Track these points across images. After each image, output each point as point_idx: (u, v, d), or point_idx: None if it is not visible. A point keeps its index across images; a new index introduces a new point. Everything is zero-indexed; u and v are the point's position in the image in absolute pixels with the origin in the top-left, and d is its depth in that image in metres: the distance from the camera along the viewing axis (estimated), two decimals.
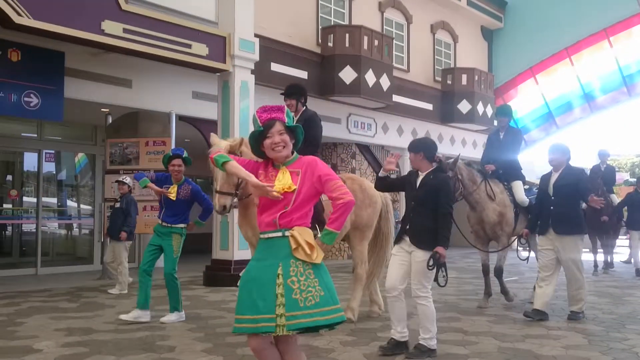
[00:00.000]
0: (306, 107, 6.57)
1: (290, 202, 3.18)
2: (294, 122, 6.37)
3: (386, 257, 6.73)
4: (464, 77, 17.49)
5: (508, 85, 20.48)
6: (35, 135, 11.97)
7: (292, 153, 3.33)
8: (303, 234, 3.14)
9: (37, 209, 11.83)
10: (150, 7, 9.73)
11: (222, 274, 9.91)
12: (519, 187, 7.80)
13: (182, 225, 6.70)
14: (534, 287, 7.50)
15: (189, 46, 9.56)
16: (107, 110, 11.00)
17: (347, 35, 13.60)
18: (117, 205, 9.31)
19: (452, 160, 7.11)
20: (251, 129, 10.94)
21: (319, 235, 5.92)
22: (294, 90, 6.55)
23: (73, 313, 7.15)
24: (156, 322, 6.49)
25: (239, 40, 10.23)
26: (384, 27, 16.41)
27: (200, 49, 9.73)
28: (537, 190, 7.46)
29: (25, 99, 9.00)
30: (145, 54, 9.20)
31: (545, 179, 6.90)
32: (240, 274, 3.43)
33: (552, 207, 6.61)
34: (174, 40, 9.36)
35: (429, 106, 16.93)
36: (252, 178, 3.19)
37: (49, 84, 9.27)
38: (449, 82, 17.55)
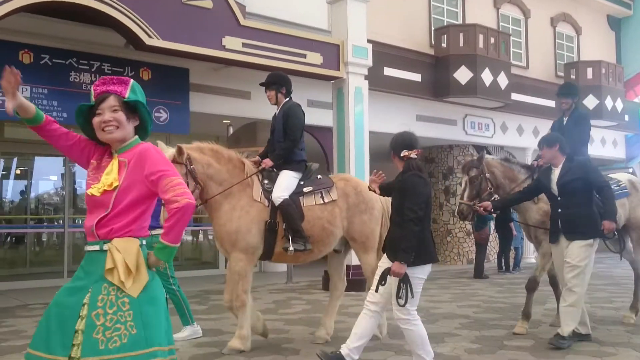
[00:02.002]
0: (290, 98, 5.92)
1: (109, 204, 2.46)
2: (276, 114, 5.75)
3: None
4: (590, 71, 16.44)
5: None
6: None
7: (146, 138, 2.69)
8: (125, 250, 2.42)
9: None
10: (266, 20, 10.09)
11: None
12: None
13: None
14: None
15: (304, 56, 9.80)
16: (229, 121, 11.54)
17: (461, 34, 13.28)
18: None
19: (478, 156, 6.34)
20: (365, 135, 10.72)
21: (293, 248, 5.19)
22: (272, 80, 5.89)
23: (203, 315, 7.53)
24: (281, 326, 6.67)
25: (352, 47, 10.32)
26: (500, 23, 15.86)
27: (315, 58, 9.93)
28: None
29: (156, 114, 9.66)
30: (263, 66, 9.52)
31: (545, 175, 5.67)
32: None
33: (559, 210, 5.51)
34: (290, 51, 9.63)
35: (551, 103, 16.04)
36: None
37: (176, 99, 9.90)
38: (573, 76, 16.58)
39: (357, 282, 9.88)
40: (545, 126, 16.35)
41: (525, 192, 5.91)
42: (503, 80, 13.68)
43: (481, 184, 6.16)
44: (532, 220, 6.28)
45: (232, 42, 8.99)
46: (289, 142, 5.61)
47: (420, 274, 4.15)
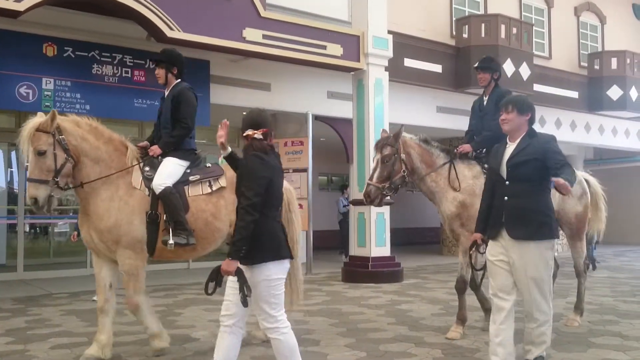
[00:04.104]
0: (181, 79, 5.33)
1: None
2: (165, 95, 5.10)
3: (294, 272, 5.21)
4: (614, 61, 16.18)
5: None
6: None
7: None
8: None
9: None
10: (286, 12, 10.08)
11: (360, 270, 10.02)
12: None
13: None
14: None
15: (324, 47, 9.79)
16: None
17: (483, 25, 13.15)
18: None
19: (394, 134, 5.58)
20: (386, 126, 10.63)
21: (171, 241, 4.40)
22: (162, 57, 5.24)
23: None
24: (301, 317, 6.71)
25: (372, 38, 10.28)
26: (523, 13, 15.65)
27: (335, 49, 9.92)
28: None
29: None
30: (283, 58, 9.55)
31: (497, 153, 4.27)
32: None
33: (505, 198, 4.10)
34: (310, 42, 9.63)
35: (574, 94, 15.88)
36: None
37: (196, 91, 9.69)
38: (597, 67, 16.34)
39: (376, 274, 9.92)
40: (567, 117, 16.18)
41: (490, 191, 4.32)
42: (525, 71, 13.53)
43: (394, 164, 5.49)
44: (447, 213, 5.56)
45: (252, 33, 9.00)
46: (181, 130, 5.08)
47: (276, 273, 3.48)
